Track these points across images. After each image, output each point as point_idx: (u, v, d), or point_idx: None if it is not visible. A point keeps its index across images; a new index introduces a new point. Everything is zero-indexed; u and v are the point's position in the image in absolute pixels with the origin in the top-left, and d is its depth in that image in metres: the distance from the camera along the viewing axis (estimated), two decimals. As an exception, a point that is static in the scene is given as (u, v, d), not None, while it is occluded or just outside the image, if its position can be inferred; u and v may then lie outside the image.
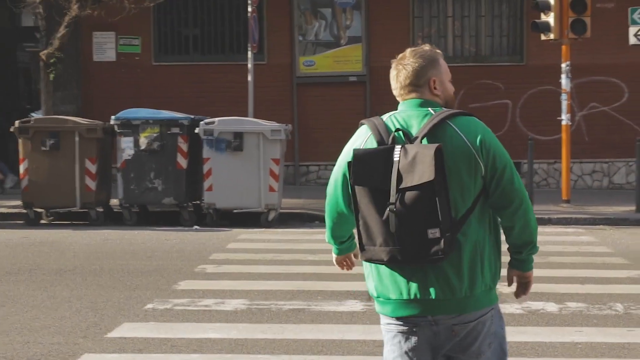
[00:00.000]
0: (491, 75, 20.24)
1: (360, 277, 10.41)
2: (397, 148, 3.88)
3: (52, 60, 17.77)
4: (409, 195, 3.82)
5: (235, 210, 15.44)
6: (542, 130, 19.92)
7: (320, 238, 13.96)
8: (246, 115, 17.32)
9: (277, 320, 8.64)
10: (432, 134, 3.94)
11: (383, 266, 4.00)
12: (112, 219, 15.63)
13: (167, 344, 7.74)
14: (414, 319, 4.01)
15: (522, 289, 4.27)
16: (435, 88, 4.11)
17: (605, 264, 11.82)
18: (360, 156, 3.92)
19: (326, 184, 17.86)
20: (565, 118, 17.00)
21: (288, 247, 13.00)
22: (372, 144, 4.00)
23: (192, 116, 15.69)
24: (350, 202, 4.08)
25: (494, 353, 4.16)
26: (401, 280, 3.99)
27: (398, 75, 4.14)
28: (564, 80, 16.83)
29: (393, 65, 4.18)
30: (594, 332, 8.28)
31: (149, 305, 9.13)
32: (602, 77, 20.08)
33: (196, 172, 15.60)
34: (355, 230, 4.12)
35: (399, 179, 3.83)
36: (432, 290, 3.96)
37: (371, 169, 3.88)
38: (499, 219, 4.10)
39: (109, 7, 18.18)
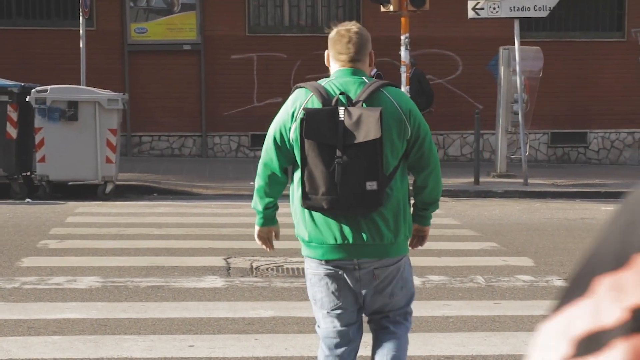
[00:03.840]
0: (327, 46, 19.97)
1: (216, 252, 10.20)
2: (341, 109, 4.42)
3: None
4: (354, 150, 4.37)
5: (70, 183, 14.74)
6: (377, 102, 19.88)
7: (164, 211, 13.54)
8: (76, 84, 16.51)
9: (136, 298, 8.18)
10: (370, 99, 4.51)
11: (319, 213, 4.48)
12: None
13: (23, 326, 7.18)
14: (342, 263, 4.53)
15: (420, 241, 4.95)
16: (371, 60, 4.72)
17: (456, 236, 11.81)
18: (311, 114, 4.40)
19: (160, 155, 17.16)
20: (404, 90, 16.96)
21: (131, 221, 12.46)
22: (316, 104, 4.47)
23: (22, 84, 14.85)
24: (284, 162, 4.56)
25: (404, 295, 4.79)
26: (335, 227, 4.48)
27: (349, 43, 4.58)
28: (403, 53, 16.68)
29: (341, 32, 4.63)
30: (462, 306, 8.20)
31: (-5, 284, 8.51)
32: (437, 49, 20.21)
33: (27, 142, 14.83)
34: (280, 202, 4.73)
35: (345, 136, 4.36)
36: (363, 235, 4.49)
37: (320, 125, 4.37)
38: (415, 180, 4.73)
39: None
